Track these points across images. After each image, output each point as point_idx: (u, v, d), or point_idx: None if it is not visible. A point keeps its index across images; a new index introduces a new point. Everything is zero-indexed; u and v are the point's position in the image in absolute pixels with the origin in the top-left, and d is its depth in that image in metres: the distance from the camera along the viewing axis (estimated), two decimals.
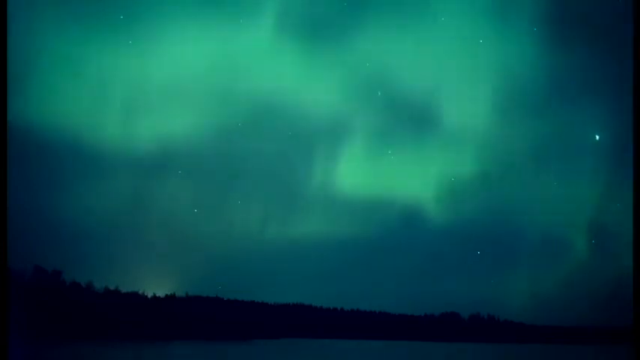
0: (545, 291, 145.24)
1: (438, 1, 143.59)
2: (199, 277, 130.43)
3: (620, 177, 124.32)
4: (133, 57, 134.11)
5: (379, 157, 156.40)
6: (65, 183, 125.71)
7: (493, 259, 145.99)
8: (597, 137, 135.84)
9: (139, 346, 65.70)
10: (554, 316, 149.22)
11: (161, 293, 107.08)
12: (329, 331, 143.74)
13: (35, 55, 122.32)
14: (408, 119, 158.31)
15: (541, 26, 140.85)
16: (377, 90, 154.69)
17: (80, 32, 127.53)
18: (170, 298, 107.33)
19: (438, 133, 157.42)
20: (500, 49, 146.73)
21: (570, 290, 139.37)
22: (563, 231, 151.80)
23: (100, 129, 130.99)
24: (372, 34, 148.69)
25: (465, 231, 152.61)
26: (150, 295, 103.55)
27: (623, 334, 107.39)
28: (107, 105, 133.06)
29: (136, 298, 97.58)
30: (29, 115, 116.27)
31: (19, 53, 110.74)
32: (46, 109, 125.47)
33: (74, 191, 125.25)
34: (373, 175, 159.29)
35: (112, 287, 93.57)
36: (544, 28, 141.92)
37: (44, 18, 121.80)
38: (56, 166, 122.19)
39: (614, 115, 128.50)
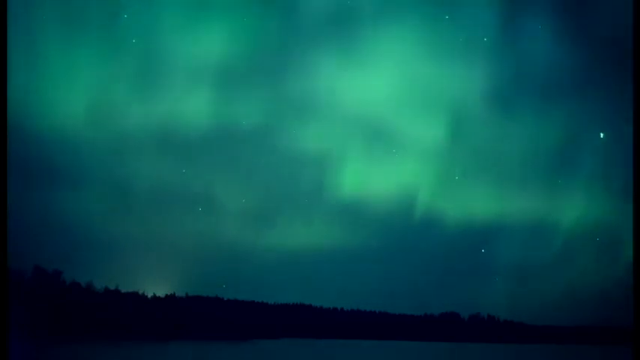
0: (546, 291, 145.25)
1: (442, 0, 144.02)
2: (199, 277, 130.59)
3: (624, 176, 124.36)
4: (136, 56, 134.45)
5: (381, 156, 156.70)
6: (65, 183, 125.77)
7: (495, 259, 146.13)
8: (602, 135, 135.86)
9: (138, 346, 65.66)
10: (554, 316, 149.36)
11: (161, 293, 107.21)
12: (329, 331, 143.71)
13: (36, 55, 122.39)
14: (410, 117, 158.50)
15: (545, 24, 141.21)
16: (382, 91, 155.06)
17: (82, 32, 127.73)
18: (170, 298, 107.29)
19: (438, 132, 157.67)
20: (504, 47, 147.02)
21: (571, 290, 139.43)
22: (564, 230, 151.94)
23: (101, 129, 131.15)
24: (373, 34, 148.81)
25: (467, 231, 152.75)
26: (150, 295, 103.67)
27: (623, 334, 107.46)
28: (109, 105, 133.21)
29: (136, 298, 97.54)
30: (29, 115, 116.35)
31: (19, 53, 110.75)
32: (47, 109, 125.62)
33: (74, 192, 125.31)
34: (374, 175, 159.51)
35: (112, 287, 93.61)
36: (548, 26, 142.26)
37: (45, 17, 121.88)
38: (57, 166, 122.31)
39: (619, 113, 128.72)
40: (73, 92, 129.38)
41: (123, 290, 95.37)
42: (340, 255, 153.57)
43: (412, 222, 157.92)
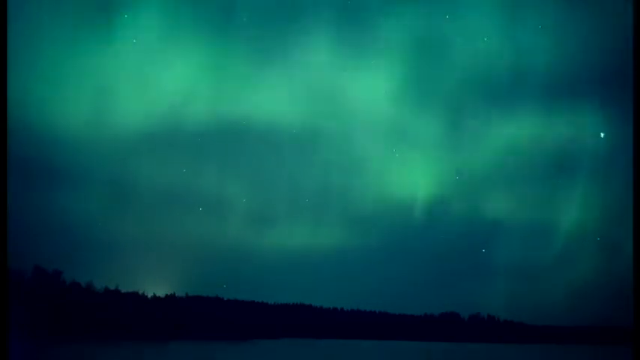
0: (546, 291, 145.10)
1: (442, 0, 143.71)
2: (199, 277, 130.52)
3: (624, 176, 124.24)
4: (137, 56, 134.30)
5: (382, 156, 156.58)
6: (65, 183, 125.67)
7: (495, 259, 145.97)
8: (602, 135, 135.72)
9: (139, 346, 65.67)
10: (554, 316, 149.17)
11: (161, 293, 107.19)
12: (329, 331, 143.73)
13: (37, 55, 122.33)
14: (410, 117, 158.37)
15: (546, 24, 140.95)
16: (382, 89, 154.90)
17: (83, 31, 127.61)
18: (170, 298, 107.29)
19: (439, 131, 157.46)
20: (505, 46, 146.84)
21: (571, 290, 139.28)
22: (564, 230, 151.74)
23: (101, 129, 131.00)
24: (374, 33, 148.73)
25: (467, 231, 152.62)
26: (150, 295, 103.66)
27: (623, 334, 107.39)
28: (109, 105, 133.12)
29: (136, 298, 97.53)
30: (29, 115, 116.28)
31: (19, 53, 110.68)
32: (47, 109, 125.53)
33: (74, 192, 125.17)
34: (374, 175, 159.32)
35: (112, 287, 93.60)
36: (549, 25, 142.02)
37: (45, 17, 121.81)
38: (56, 166, 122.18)
39: (620, 112, 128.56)
40: (73, 92, 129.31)
41: (123, 290, 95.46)
42: (340, 255, 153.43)
43: (412, 222, 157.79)
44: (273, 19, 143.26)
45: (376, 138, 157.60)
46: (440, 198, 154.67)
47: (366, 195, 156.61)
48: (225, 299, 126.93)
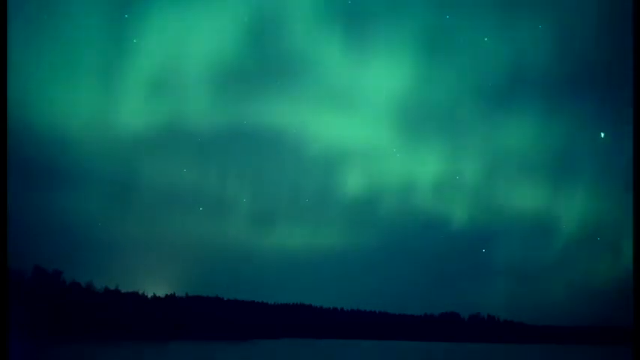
0: (546, 291, 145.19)
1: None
2: (199, 277, 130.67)
3: (624, 176, 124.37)
4: (136, 56, 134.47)
5: (382, 157, 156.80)
6: (65, 183, 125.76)
7: (495, 259, 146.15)
8: (602, 135, 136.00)
9: (139, 346, 65.65)
10: (554, 316, 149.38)
11: (161, 293, 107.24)
12: (329, 331, 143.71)
13: (37, 55, 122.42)
14: (410, 117, 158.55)
15: (546, 24, 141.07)
16: (381, 90, 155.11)
17: (83, 31, 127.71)
18: (170, 298, 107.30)
19: (439, 132, 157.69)
20: (505, 46, 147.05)
21: (571, 290, 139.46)
22: (564, 230, 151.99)
23: (102, 130, 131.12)
24: (374, 34, 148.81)
25: (468, 231, 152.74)
26: (150, 295, 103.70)
27: (623, 334, 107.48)
28: (110, 105, 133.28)
29: (136, 298, 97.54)
30: (30, 115, 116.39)
31: (20, 52, 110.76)
32: (47, 109, 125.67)
33: (74, 192, 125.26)
34: (374, 176, 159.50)
35: (112, 287, 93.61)
36: (549, 25, 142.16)
37: (45, 16, 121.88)
38: (56, 166, 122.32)
39: (619, 113, 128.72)
40: (74, 92, 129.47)
41: (123, 290, 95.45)
42: (340, 255, 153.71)
43: (412, 222, 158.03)
44: (276, 21, 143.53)
45: (376, 138, 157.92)
46: (440, 198, 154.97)
47: (367, 195, 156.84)
48: (225, 299, 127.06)
